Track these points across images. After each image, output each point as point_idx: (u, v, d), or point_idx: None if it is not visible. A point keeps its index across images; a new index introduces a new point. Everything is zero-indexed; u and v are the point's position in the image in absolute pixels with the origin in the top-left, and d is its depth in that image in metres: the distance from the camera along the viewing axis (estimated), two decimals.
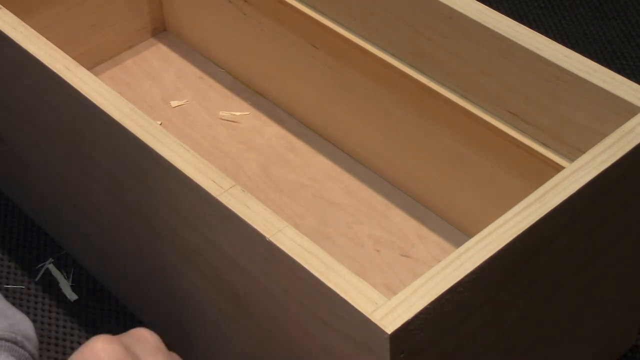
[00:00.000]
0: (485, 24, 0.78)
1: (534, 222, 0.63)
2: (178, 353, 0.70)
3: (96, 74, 0.98)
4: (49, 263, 0.91)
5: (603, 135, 0.70)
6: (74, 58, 0.76)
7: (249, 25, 0.99)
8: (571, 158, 0.78)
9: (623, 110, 0.72)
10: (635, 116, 0.70)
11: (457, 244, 0.89)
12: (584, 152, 0.68)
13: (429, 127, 0.87)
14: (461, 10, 0.79)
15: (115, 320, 0.87)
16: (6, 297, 0.88)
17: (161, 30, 1.10)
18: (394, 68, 0.86)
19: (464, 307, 0.62)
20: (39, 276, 0.91)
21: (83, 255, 0.90)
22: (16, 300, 0.89)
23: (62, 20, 1.01)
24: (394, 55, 0.87)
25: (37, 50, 0.76)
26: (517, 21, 0.82)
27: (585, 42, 1.13)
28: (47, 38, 0.78)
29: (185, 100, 1.03)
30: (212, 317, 0.75)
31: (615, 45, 1.13)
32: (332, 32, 0.90)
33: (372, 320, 0.58)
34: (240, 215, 0.64)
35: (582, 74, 0.74)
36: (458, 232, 0.90)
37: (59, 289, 0.90)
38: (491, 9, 0.79)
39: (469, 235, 0.88)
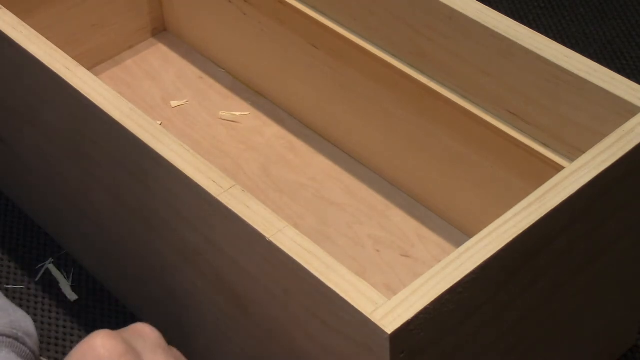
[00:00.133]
0: (485, 24, 0.78)
1: (534, 222, 0.63)
2: None
3: (96, 74, 0.98)
4: (49, 263, 0.91)
5: (603, 135, 0.70)
6: (74, 58, 0.76)
7: (249, 25, 0.99)
8: (571, 158, 0.78)
9: (623, 110, 0.72)
10: (635, 116, 0.70)
11: (457, 244, 0.89)
12: (584, 152, 0.67)
13: (429, 127, 0.87)
14: (461, 10, 0.79)
15: (115, 320, 0.87)
16: (6, 297, 0.88)
17: (161, 30, 1.10)
18: (394, 68, 0.86)
19: (464, 307, 0.62)
20: (39, 276, 0.91)
21: (83, 255, 0.90)
22: (16, 300, 0.89)
23: (62, 20, 1.01)
24: (394, 55, 0.87)
25: (37, 50, 0.76)
26: (517, 21, 0.82)
27: (585, 42, 1.13)
28: (47, 38, 0.78)
29: (185, 100, 1.03)
30: (212, 317, 0.75)
31: (615, 45, 1.13)
32: (332, 32, 0.90)
33: (372, 320, 0.58)
34: (240, 215, 0.64)
35: (582, 74, 0.74)
36: (458, 232, 0.90)
37: (59, 289, 0.90)
38: (491, 9, 0.79)
39: (469, 235, 0.88)
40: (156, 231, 0.75)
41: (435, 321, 0.60)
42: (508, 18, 0.78)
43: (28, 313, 0.87)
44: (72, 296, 0.89)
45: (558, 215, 0.64)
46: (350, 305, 0.59)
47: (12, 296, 0.89)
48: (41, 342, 0.85)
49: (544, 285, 0.68)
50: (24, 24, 0.79)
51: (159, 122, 1.01)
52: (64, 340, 0.86)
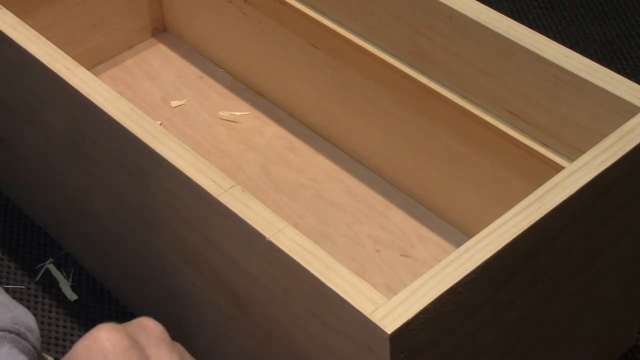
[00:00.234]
0: (485, 24, 0.78)
1: (534, 222, 0.63)
2: None
3: (96, 74, 0.98)
4: (49, 263, 0.91)
5: (603, 135, 0.70)
6: (74, 58, 0.76)
7: (249, 25, 0.99)
8: (571, 158, 0.78)
9: (623, 110, 0.72)
10: (635, 116, 0.70)
11: (457, 244, 0.88)
12: (584, 152, 0.67)
13: (429, 127, 0.87)
14: (461, 10, 0.79)
15: (116, 320, 0.87)
16: None
17: (161, 30, 1.10)
18: (394, 68, 0.86)
19: (464, 307, 0.62)
20: (39, 276, 0.91)
21: (83, 255, 0.90)
22: (16, 300, 0.88)
23: (62, 20, 1.01)
24: (394, 55, 0.87)
25: (37, 50, 0.76)
26: (517, 21, 0.82)
27: (585, 42, 1.13)
28: (47, 38, 0.78)
29: (185, 100, 1.03)
30: (212, 317, 0.75)
31: (615, 45, 1.13)
32: (332, 32, 0.90)
33: (372, 320, 0.58)
34: (240, 215, 0.64)
35: (582, 74, 0.74)
36: (458, 232, 0.90)
37: (59, 289, 0.90)
38: (491, 9, 0.79)
39: (469, 235, 0.88)
40: (156, 231, 0.75)
41: (435, 321, 0.60)
42: (508, 18, 0.78)
43: None
44: (72, 296, 0.89)
45: (558, 215, 0.64)
46: (350, 305, 0.59)
47: (12, 296, 0.89)
48: (41, 342, 0.85)
49: (544, 285, 0.68)
50: (24, 24, 0.79)
51: (159, 122, 1.01)
52: (64, 340, 0.86)
